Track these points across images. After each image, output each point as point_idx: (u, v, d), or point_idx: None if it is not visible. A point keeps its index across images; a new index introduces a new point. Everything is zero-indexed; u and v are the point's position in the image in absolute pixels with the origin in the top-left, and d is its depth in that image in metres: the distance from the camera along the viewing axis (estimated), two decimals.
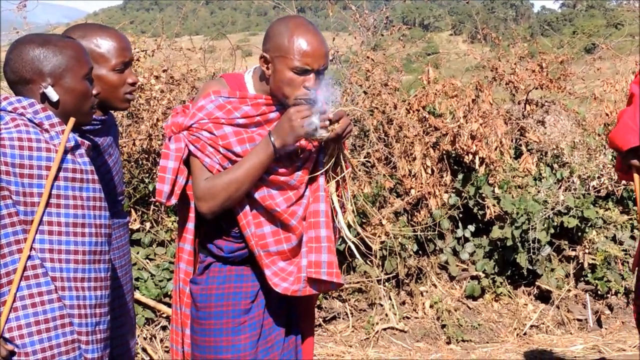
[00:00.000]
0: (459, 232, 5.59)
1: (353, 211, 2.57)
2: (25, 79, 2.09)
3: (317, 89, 2.31)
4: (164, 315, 4.73)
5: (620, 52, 7.09)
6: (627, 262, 5.55)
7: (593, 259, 5.54)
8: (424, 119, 5.60)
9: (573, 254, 5.61)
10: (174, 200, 2.39)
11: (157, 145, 4.97)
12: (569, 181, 5.68)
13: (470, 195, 5.51)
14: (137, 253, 4.85)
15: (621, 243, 5.59)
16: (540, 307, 5.52)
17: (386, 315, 5.24)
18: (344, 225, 2.49)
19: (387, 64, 5.89)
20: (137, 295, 4.67)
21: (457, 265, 5.55)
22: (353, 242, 2.53)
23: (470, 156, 5.48)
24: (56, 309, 2.05)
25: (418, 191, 5.40)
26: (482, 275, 5.50)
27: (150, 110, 5.01)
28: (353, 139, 5.54)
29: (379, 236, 5.13)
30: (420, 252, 5.49)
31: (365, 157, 5.44)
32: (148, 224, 5.03)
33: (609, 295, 5.55)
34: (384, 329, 5.17)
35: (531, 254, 5.32)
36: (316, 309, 4.80)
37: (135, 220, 4.94)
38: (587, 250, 5.56)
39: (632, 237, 5.63)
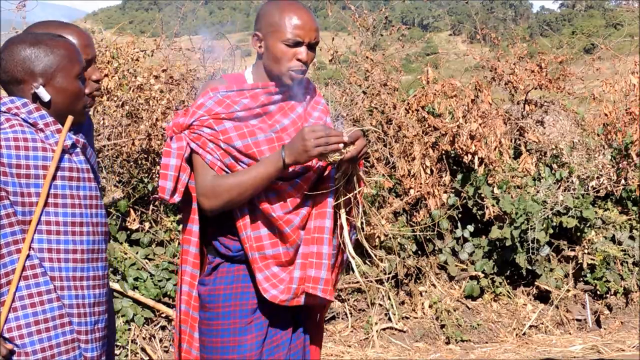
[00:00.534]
0: (458, 232, 5.60)
1: (362, 229, 2.53)
2: (17, 79, 2.08)
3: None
4: (163, 315, 4.73)
5: (620, 52, 7.10)
6: (626, 262, 5.55)
7: (592, 259, 5.54)
8: (423, 119, 5.60)
9: (572, 254, 5.62)
10: (177, 198, 2.39)
11: (157, 145, 4.97)
12: (568, 181, 5.68)
13: (470, 195, 5.51)
14: (137, 253, 4.84)
15: (620, 243, 5.59)
16: (540, 307, 5.52)
17: (385, 315, 5.24)
18: (348, 242, 2.45)
19: (387, 64, 5.89)
20: (137, 295, 4.67)
21: (456, 266, 5.55)
22: (355, 261, 2.51)
23: (470, 156, 5.48)
24: (55, 309, 2.05)
25: (417, 191, 5.40)
26: (481, 275, 5.50)
27: (149, 110, 5.01)
28: None
29: (378, 236, 5.13)
30: (419, 252, 5.49)
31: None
32: (147, 224, 5.02)
33: (608, 296, 5.55)
34: (383, 329, 5.17)
35: (530, 254, 5.32)
36: None
37: (134, 220, 4.94)
38: (586, 251, 5.56)
39: (631, 237, 5.63)
